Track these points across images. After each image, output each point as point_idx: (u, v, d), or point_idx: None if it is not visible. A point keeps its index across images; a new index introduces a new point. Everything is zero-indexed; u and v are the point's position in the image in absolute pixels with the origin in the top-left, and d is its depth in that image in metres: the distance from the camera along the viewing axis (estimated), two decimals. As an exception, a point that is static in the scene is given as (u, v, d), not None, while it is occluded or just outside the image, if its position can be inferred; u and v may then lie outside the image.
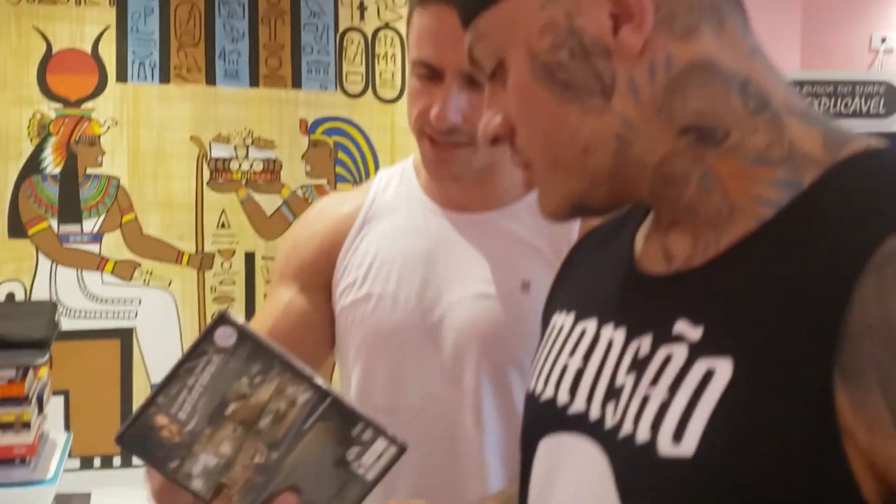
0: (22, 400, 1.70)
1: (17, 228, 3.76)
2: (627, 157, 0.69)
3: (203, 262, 3.96)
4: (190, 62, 3.90)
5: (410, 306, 1.26)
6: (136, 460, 3.53)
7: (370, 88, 4.15)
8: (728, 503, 0.60)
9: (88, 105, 3.78)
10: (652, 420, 0.64)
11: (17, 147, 3.73)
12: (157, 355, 3.87)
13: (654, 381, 0.65)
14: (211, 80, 3.90)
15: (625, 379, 0.69)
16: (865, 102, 5.01)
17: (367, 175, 3.89)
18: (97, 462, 3.87)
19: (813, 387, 0.57)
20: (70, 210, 3.79)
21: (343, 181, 3.87)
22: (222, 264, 3.98)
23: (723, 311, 0.65)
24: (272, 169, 3.84)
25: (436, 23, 1.16)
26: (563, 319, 0.81)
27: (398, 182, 1.36)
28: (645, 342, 0.68)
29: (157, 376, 3.80)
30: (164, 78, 3.88)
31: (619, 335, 0.72)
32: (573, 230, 1.23)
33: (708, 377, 0.62)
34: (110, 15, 3.77)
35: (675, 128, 0.68)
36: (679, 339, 0.66)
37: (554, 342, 0.81)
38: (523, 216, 1.28)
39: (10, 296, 3.75)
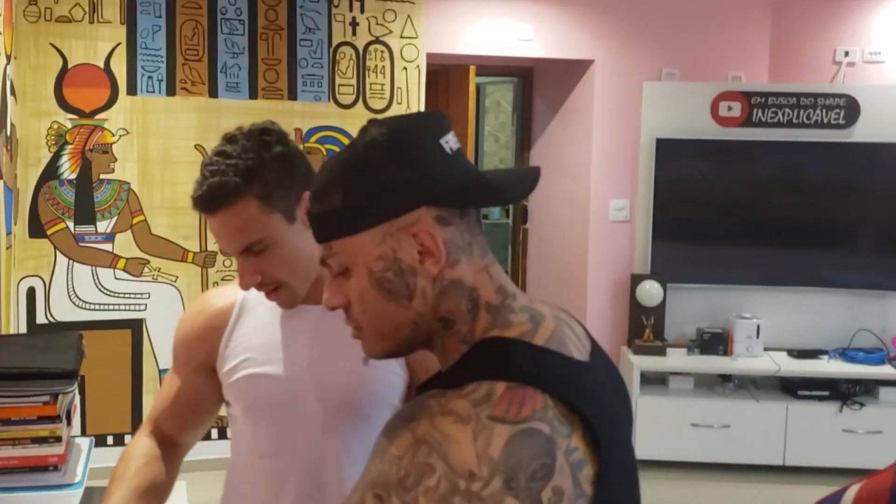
0: (54, 418, 2.02)
1: (37, 229, 3.95)
2: (416, 331, 1.11)
3: (206, 259, 4.16)
4: (194, 76, 4.07)
5: (283, 381, 1.63)
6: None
7: (361, 99, 4.34)
8: None
9: (101, 116, 3.96)
10: None
11: (37, 155, 3.92)
12: (165, 343, 4.08)
13: None
14: (213, 92, 4.08)
15: None
16: (827, 114, 5.12)
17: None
18: (110, 439, 4.12)
19: None
20: (85, 212, 3.99)
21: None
22: (224, 262, 4.22)
23: None
24: (269, 175, 4.07)
25: (210, 227, 1.56)
26: None
27: None
28: None
29: (165, 362, 4.12)
30: (171, 91, 4.06)
31: None
32: None
33: None
34: (121, 33, 3.94)
35: (437, 317, 1.10)
36: None
37: None
38: None
39: (37, 323, 3.95)
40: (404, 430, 1.01)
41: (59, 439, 2.00)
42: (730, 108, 5.20)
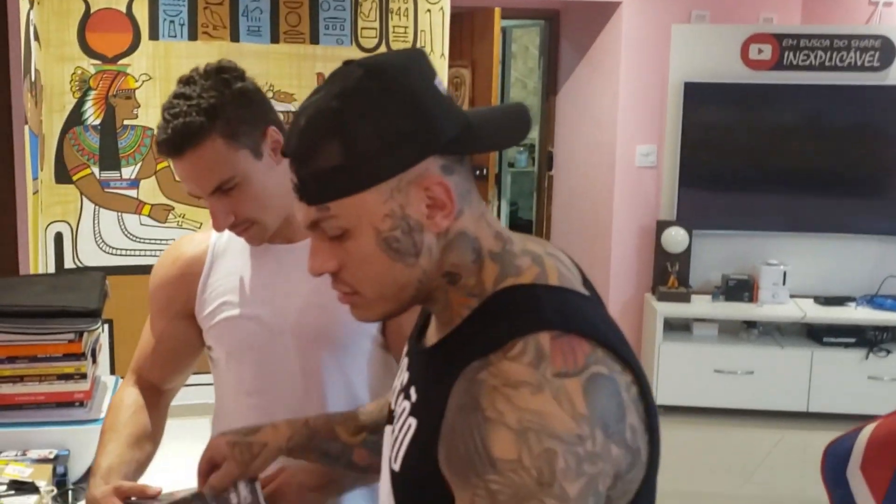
0: (79, 355, 2.06)
1: (63, 175, 3.94)
2: (420, 290, 1.06)
3: None
4: (216, 20, 4.02)
5: (260, 320, 1.66)
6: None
7: (384, 42, 4.26)
8: (411, 496, 1.05)
9: (124, 61, 3.92)
10: (391, 443, 1.11)
11: (61, 101, 3.89)
12: None
13: (398, 418, 1.11)
14: (235, 36, 4.02)
15: (398, 409, 1.14)
16: (861, 56, 5.03)
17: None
18: None
19: (435, 445, 0.99)
20: (110, 158, 3.96)
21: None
22: None
23: (423, 386, 1.08)
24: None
25: (177, 171, 1.56)
26: (406, 348, 1.22)
27: None
28: (405, 391, 1.13)
29: (191, 307, 4.15)
30: (192, 35, 4.00)
31: (405, 378, 1.15)
32: None
33: (409, 428, 1.06)
34: (143, -24, 3.87)
35: (441, 272, 1.05)
36: (409, 397, 1.10)
37: (402, 362, 1.22)
38: None
39: (64, 268, 4.00)
40: (491, 427, 0.93)
41: (84, 376, 2.05)
42: (760, 52, 5.12)
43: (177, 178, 4.14)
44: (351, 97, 1.00)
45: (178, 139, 1.50)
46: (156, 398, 1.76)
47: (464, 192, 1.04)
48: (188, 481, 1.47)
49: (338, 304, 1.64)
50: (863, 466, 1.45)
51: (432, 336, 1.13)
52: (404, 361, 1.19)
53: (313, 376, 1.67)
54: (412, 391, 1.09)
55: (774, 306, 5.11)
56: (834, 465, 1.50)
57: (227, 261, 1.70)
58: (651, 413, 1.00)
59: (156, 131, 1.56)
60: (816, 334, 5.07)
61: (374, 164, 1.00)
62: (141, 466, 1.63)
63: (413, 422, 1.06)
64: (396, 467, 1.07)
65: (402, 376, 1.17)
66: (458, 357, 1.00)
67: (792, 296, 5.18)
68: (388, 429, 1.17)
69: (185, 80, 1.55)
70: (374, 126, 0.99)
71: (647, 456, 0.99)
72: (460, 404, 0.96)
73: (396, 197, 1.01)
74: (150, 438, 1.68)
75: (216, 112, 1.50)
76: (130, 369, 1.80)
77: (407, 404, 1.09)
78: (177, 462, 1.75)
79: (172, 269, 1.74)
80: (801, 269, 5.22)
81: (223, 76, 1.54)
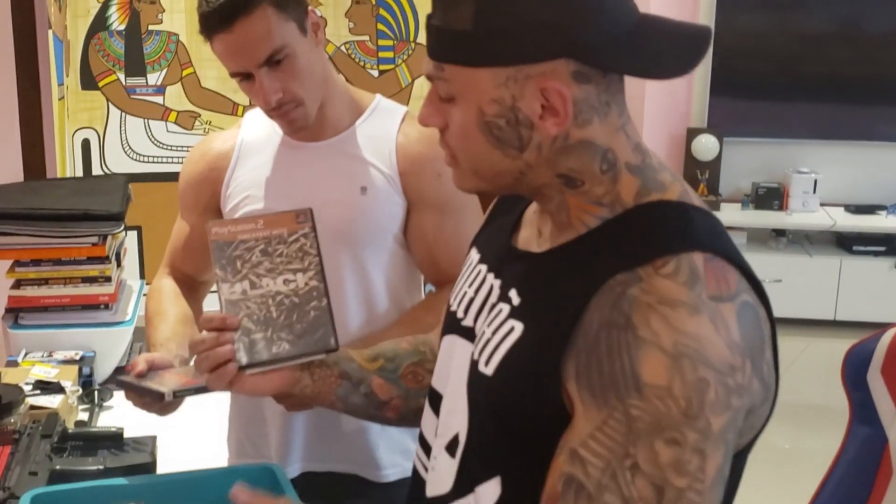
0: (104, 259, 2.08)
1: (88, 81, 3.94)
2: (521, 181, 1.00)
3: None
4: None
5: None
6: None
7: None
8: (503, 406, 0.98)
9: None
10: (481, 348, 1.02)
11: (86, 5, 3.87)
12: None
13: (490, 323, 1.03)
14: None
15: (485, 314, 1.06)
16: None
17: (408, 32, 4.02)
18: None
19: (556, 352, 0.91)
20: (135, 64, 3.95)
21: (385, 37, 4.00)
22: None
23: (531, 290, 1.00)
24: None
25: (224, 45, 1.52)
26: (474, 255, 1.16)
27: (261, 123, 1.70)
28: (499, 294, 1.05)
29: (218, 214, 4.18)
30: None
31: (495, 284, 1.07)
32: (392, 146, 1.66)
33: (511, 332, 0.98)
34: None
35: (555, 173, 0.98)
36: (509, 300, 1.01)
37: (466, 271, 1.16)
38: (355, 140, 1.68)
39: (88, 160, 4.03)
40: (645, 349, 0.86)
41: (108, 279, 2.08)
42: (797, -46, 4.98)
43: (203, 86, 4.14)
44: None
45: (229, 7, 1.47)
46: (192, 290, 1.78)
47: (596, 104, 0.95)
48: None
49: (360, 201, 1.66)
50: (883, 370, 1.45)
51: (531, 240, 1.06)
52: (480, 267, 1.13)
53: (335, 273, 1.65)
54: (512, 294, 1.02)
55: (804, 214, 5.06)
56: (854, 368, 1.49)
57: (253, 156, 1.70)
58: (776, 352, 0.95)
59: (197, 6, 1.52)
60: (846, 243, 5.03)
61: (498, 45, 0.93)
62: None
63: (517, 325, 0.98)
64: (489, 371, 1.00)
65: (480, 278, 1.11)
66: (592, 266, 0.93)
67: (822, 204, 5.13)
68: (452, 339, 1.13)
69: None
70: (512, 6, 0.91)
71: (774, 393, 0.95)
72: (607, 319, 0.89)
73: (511, 86, 0.94)
74: (192, 322, 1.70)
75: None
76: (164, 263, 1.82)
77: (506, 307, 1.01)
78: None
79: (200, 165, 1.75)
80: (832, 178, 5.15)
81: None
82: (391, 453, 1.71)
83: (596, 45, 0.92)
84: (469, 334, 1.08)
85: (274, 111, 1.58)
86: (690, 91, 5.29)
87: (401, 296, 1.74)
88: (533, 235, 1.06)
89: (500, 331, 1.00)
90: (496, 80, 0.94)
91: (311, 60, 1.57)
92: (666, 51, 0.96)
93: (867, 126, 5.10)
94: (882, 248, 4.93)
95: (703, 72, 5.12)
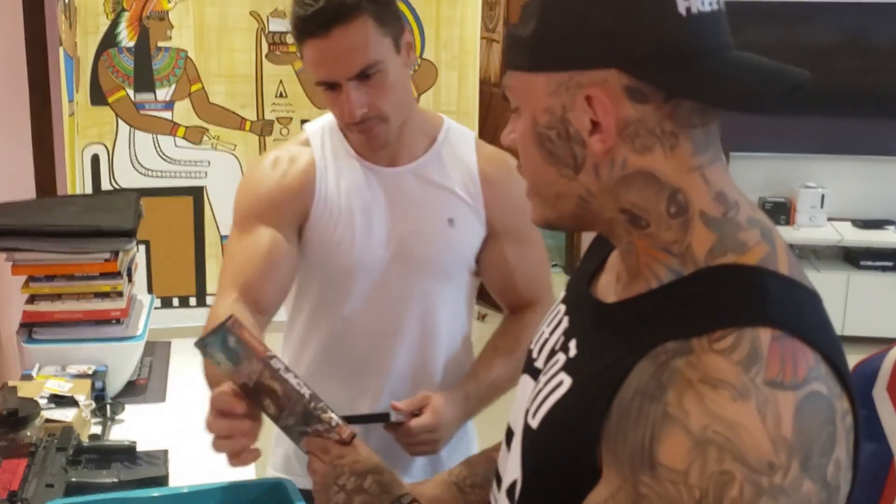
0: (115, 274, 2.10)
1: (98, 97, 3.94)
2: (585, 210, 0.93)
3: (263, 128, 4.12)
4: None
5: (368, 244, 1.62)
6: (209, 300, 3.96)
7: None
8: (544, 462, 0.94)
9: None
10: (532, 397, 0.99)
11: (95, 22, 3.89)
12: (225, 210, 4.03)
13: (546, 371, 0.99)
14: None
15: (549, 359, 1.01)
16: None
17: (415, 48, 4.04)
18: (175, 301, 4.28)
19: (597, 417, 0.85)
20: (144, 80, 3.97)
21: (391, 53, 4.03)
22: (281, 130, 4.22)
23: (588, 344, 0.95)
24: (325, 42, 4.04)
25: (317, 52, 1.48)
26: (561, 294, 1.11)
27: (329, 141, 1.65)
28: (562, 342, 1.00)
29: (225, 228, 4.19)
30: None
31: (564, 329, 1.01)
32: (475, 175, 1.62)
33: (559, 385, 0.94)
34: None
35: (618, 206, 0.91)
36: (567, 351, 0.97)
37: (552, 309, 1.10)
38: (436, 166, 1.64)
39: (99, 187, 4.05)
40: (668, 426, 0.79)
41: (120, 294, 2.10)
42: (801, -32, 5.00)
43: (211, 101, 4.16)
44: None
45: (329, 13, 1.44)
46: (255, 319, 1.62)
47: (658, 132, 0.87)
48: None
49: (447, 233, 1.63)
50: (889, 386, 1.46)
51: (609, 287, 0.99)
52: (560, 307, 1.07)
53: (418, 305, 1.66)
54: (571, 345, 0.97)
55: (812, 229, 5.07)
56: (860, 385, 1.50)
57: (334, 177, 1.64)
58: (858, 448, 0.84)
59: (294, 9, 1.49)
60: (854, 258, 5.03)
61: (552, 50, 0.90)
62: None
63: (567, 379, 0.93)
64: (534, 424, 0.95)
65: (557, 320, 1.05)
66: (648, 329, 0.86)
67: (829, 219, 5.13)
68: (524, 378, 1.07)
69: None
70: (574, 12, 0.88)
71: (846, 495, 0.84)
72: (642, 388, 0.82)
73: (562, 94, 0.89)
74: None
75: None
76: (228, 285, 1.62)
77: (562, 357, 0.97)
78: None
79: (288, 178, 1.64)
80: (839, 192, 5.16)
81: None
82: None
83: (649, 58, 0.86)
84: (537, 375, 1.03)
85: (355, 125, 1.53)
86: (696, 106, 5.31)
87: (458, 320, 1.73)
88: (611, 282, 1.00)
89: (551, 383, 0.96)
90: (549, 86, 0.90)
91: (400, 79, 1.54)
92: (735, 79, 0.89)
93: (874, 140, 5.11)
94: (890, 264, 4.93)
95: (709, 87, 5.14)
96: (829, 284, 4.92)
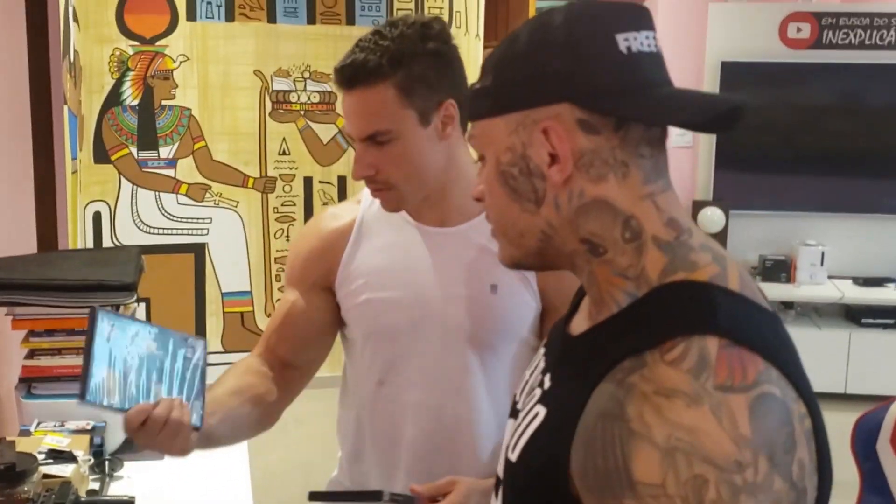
0: (116, 329, 2.10)
1: (101, 155, 3.98)
2: (548, 244, 0.98)
3: (266, 185, 4.15)
4: (252, 1, 4.01)
5: (404, 307, 1.57)
6: (210, 358, 3.95)
7: None
8: (521, 496, 0.97)
9: (162, 42, 3.95)
10: (511, 432, 1.02)
11: (100, 81, 3.92)
12: (227, 267, 4.12)
13: (524, 406, 1.02)
14: (272, 17, 4.02)
15: (527, 398, 1.04)
16: None
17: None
18: None
19: (565, 444, 0.88)
20: (148, 138, 4.00)
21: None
22: (284, 187, 4.22)
23: (559, 375, 0.99)
24: (328, 101, 4.00)
25: (344, 104, 1.49)
26: (544, 341, 1.14)
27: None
28: (539, 379, 1.04)
29: (227, 285, 4.20)
30: (230, 16, 4.02)
31: (543, 365, 1.06)
32: None
33: (535, 417, 0.97)
34: (179, -42, 3.88)
35: (578, 237, 0.96)
36: (542, 385, 1.01)
37: (533, 359, 1.13)
38: (486, 230, 1.60)
39: (101, 238, 4.06)
40: (635, 443, 0.81)
41: (120, 349, 2.08)
42: (799, 30, 5.07)
43: (214, 159, 4.19)
44: (527, 31, 0.97)
45: (352, 72, 1.45)
46: (282, 372, 1.65)
47: (611, 161, 0.93)
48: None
49: (488, 299, 1.54)
50: (892, 440, 1.45)
51: (582, 322, 1.03)
52: (542, 349, 1.11)
53: (456, 375, 1.58)
54: (546, 378, 1.01)
55: (812, 287, 5.06)
56: (864, 438, 1.50)
57: (374, 237, 1.62)
58: (823, 455, 0.87)
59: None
60: (855, 315, 5.02)
61: (509, 93, 0.97)
62: (231, 415, 1.51)
63: (541, 410, 0.97)
64: (513, 457, 0.99)
65: (536, 362, 1.09)
66: (607, 351, 0.89)
67: (830, 276, 5.13)
68: (510, 423, 1.08)
69: (391, 22, 1.50)
70: (527, 59, 0.95)
71: (813, 501, 0.86)
72: (603, 410, 0.85)
73: (521, 133, 0.96)
74: (253, 399, 1.57)
75: (401, 61, 1.44)
76: (259, 342, 1.69)
77: (538, 392, 1.00)
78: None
79: (315, 241, 1.66)
80: (839, 250, 5.17)
81: (425, 31, 1.48)
82: None
83: (596, 90, 0.93)
84: (517, 415, 1.06)
85: (367, 183, 1.54)
86: (695, 163, 5.34)
87: (504, 397, 1.59)
88: (584, 317, 1.04)
89: (528, 416, 0.99)
90: (508, 126, 0.97)
91: (422, 151, 1.50)
92: (677, 101, 0.95)
93: (872, 199, 5.14)
94: (891, 321, 4.92)
95: (707, 145, 5.18)
96: (831, 342, 4.91)
